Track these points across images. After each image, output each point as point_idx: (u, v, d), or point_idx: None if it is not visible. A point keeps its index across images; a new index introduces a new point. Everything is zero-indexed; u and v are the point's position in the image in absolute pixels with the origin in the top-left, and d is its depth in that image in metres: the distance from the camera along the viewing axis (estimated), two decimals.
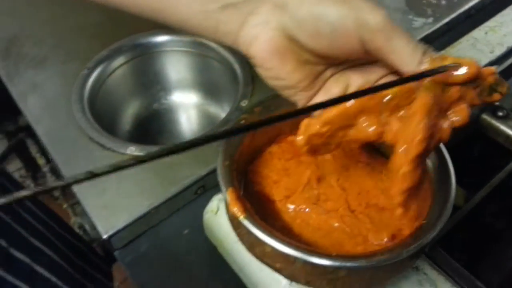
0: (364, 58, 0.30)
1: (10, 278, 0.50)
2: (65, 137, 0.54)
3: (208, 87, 0.70)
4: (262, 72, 0.32)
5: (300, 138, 0.31)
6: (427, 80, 0.27)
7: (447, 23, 0.66)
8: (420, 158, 0.28)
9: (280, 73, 0.31)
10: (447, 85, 0.27)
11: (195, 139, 0.21)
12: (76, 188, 0.50)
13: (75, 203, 1.26)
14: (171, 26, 0.35)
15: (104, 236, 0.46)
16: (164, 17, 0.34)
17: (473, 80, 0.27)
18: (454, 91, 0.27)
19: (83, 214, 0.97)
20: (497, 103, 0.60)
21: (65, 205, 1.27)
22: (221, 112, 0.69)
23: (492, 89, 0.28)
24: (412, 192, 0.30)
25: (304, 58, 0.30)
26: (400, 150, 0.28)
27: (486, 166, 0.61)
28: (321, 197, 0.38)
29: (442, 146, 0.34)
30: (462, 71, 0.26)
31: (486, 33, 0.58)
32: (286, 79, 0.31)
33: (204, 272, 0.64)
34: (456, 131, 0.29)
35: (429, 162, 0.34)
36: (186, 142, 0.21)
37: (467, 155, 0.65)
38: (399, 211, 0.31)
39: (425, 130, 0.27)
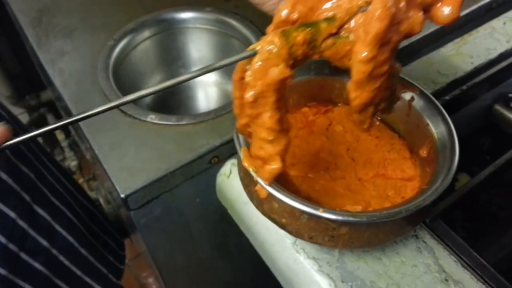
0: None
1: (32, 232, 0.53)
2: (90, 102, 0.56)
3: (226, 67, 0.72)
4: None
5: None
6: None
7: (467, 14, 0.66)
8: (380, 43, 0.27)
9: None
10: None
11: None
12: (98, 151, 0.52)
13: (91, 179, 1.30)
14: None
15: (122, 195, 0.48)
16: None
17: None
18: None
19: (98, 189, 1.01)
20: (510, 95, 0.61)
21: (81, 180, 1.31)
22: None
23: None
24: (378, 100, 0.30)
25: None
26: (360, 33, 0.28)
27: (496, 157, 0.62)
28: (331, 166, 0.40)
29: (448, 118, 0.36)
30: None
31: (504, 23, 0.59)
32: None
33: (211, 241, 0.66)
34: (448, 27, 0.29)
35: (434, 131, 0.36)
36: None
37: (478, 145, 0.66)
38: (355, 117, 0.31)
39: (386, 7, 0.26)
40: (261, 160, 0.32)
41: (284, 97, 0.30)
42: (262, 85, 0.28)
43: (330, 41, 0.29)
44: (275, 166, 0.31)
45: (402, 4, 0.27)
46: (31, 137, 0.25)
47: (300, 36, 0.28)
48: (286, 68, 0.28)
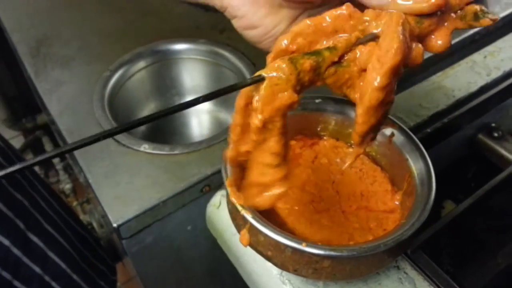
0: None
1: (25, 259, 0.54)
2: (85, 131, 0.58)
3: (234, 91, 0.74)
4: (237, 23, 0.33)
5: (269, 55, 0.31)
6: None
7: (451, 47, 0.69)
8: (395, 74, 0.29)
9: (253, 19, 0.32)
10: (418, 16, 0.30)
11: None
12: (91, 180, 0.53)
13: (84, 202, 1.30)
14: None
15: (114, 225, 0.49)
16: None
17: (447, 8, 0.30)
18: (428, 22, 0.30)
19: (91, 212, 1.02)
20: (493, 124, 0.63)
21: (75, 203, 1.31)
22: (230, 118, 0.73)
23: (477, 16, 0.31)
24: (378, 126, 0.32)
25: (277, 1, 0.32)
26: (374, 64, 0.29)
27: (481, 185, 0.64)
28: (315, 199, 0.41)
29: (426, 154, 0.38)
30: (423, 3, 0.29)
31: (485, 57, 0.61)
32: (261, 26, 0.33)
33: (203, 268, 0.67)
34: (440, 54, 0.31)
35: (413, 166, 0.38)
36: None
37: (463, 173, 0.68)
38: (356, 140, 0.32)
39: (401, 41, 0.28)
40: (260, 187, 0.32)
41: (287, 122, 0.31)
42: (271, 110, 0.29)
43: (332, 69, 0.30)
44: (280, 190, 0.32)
45: (407, 35, 0.29)
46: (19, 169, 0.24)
47: (307, 63, 0.29)
48: (293, 93, 0.29)
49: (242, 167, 0.36)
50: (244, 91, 0.30)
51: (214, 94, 0.28)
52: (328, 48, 0.30)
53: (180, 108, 0.27)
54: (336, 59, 0.30)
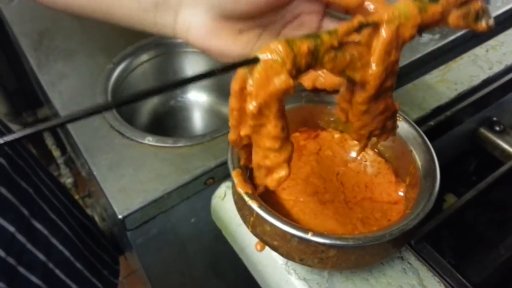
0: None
1: (29, 246, 0.54)
2: (88, 124, 0.58)
3: (222, 89, 0.75)
4: (208, 54, 0.35)
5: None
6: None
7: (452, 41, 0.69)
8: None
9: (223, 49, 0.34)
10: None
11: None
12: (96, 172, 0.54)
13: (86, 196, 1.30)
14: (118, 24, 0.39)
15: (120, 216, 0.50)
16: (108, 18, 0.38)
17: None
18: (434, 10, 0.29)
19: (93, 206, 1.02)
20: (495, 118, 0.63)
21: (76, 197, 1.31)
22: None
23: (478, 17, 0.30)
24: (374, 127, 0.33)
25: (238, 28, 0.34)
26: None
27: (482, 178, 0.64)
28: (320, 190, 0.42)
29: (430, 146, 0.38)
30: None
31: (487, 50, 0.62)
32: (231, 53, 0.34)
33: (206, 260, 0.67)
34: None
35: (417, 158, 0.38)
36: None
37: (464, 167, 0.68)
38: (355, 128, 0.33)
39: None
40: (265, 169, 0.32)
41: (283, 104, 0.30)
42: (265, 95, 0.28)
43: (332, 53, 0.29)
44: (283, 173, 0.31)
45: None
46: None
47: (304, 46, 0.28)
48: (289, 78, 0.28)
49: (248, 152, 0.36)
50: (239, 75, 0.29)
51: (205, 75, 0.26)
52: (328, 32, 0.29)
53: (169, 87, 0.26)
54: (335, 43, 0.29)
